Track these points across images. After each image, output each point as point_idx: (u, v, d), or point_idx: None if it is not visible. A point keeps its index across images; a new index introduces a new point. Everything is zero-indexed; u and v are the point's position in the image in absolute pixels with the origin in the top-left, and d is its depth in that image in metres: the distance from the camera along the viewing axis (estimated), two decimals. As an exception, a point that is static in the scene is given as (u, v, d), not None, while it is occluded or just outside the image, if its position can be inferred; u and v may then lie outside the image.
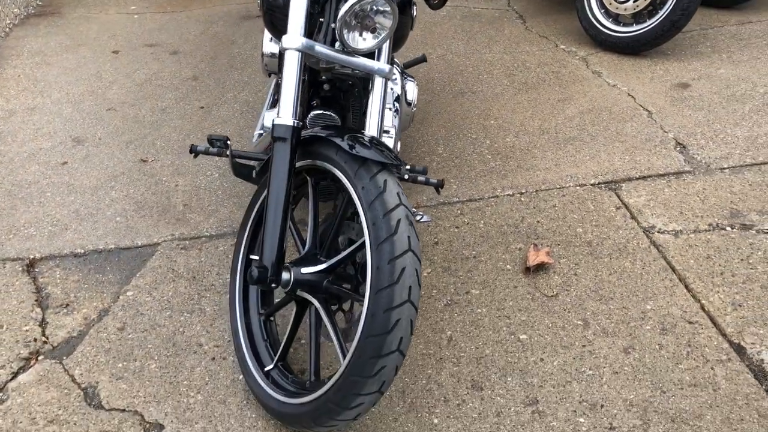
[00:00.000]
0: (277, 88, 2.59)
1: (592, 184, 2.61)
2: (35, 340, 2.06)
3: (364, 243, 1.54)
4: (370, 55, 1.82)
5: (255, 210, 1.92)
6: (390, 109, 2.31)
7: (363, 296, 1.51)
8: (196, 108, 3.42)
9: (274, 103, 2.57)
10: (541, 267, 2.20)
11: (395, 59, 2.48)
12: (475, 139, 2.98)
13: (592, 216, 2.44)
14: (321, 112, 2.06)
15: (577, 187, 2.60)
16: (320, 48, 1.69)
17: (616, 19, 3.68)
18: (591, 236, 2.34)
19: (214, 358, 1.96)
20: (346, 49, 1.74)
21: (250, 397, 1.83)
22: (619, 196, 2.53)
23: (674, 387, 1.78)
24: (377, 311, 1.44)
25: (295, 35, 1.66)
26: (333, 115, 2.05)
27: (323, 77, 1.98)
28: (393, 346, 1.44)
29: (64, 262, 2.40)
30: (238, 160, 2.22)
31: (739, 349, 1.88)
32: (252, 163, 2.29)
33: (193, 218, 2.59)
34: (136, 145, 3.12)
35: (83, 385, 1.90)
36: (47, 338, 2.07)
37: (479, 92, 3.38)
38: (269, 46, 2.29)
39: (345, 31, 1.69)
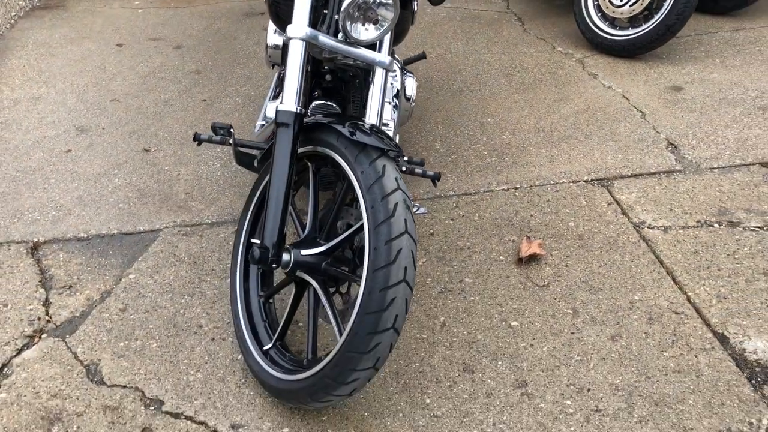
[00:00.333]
0: (281, 79, 2.65)
1: (585, 181, 2.68)
2: (39, 318, 2.12)
3: (362, 226, 1.60)
4: (371, 46, 1.88)
5: (257, 195, 1.98)
6: (389, 103, 2.37)
7: (361, 277, 1.57)
8: (198, 101, 3.48)
9: (277, 95, 2.63)
10: (533, 258, 2.26)
11: (396, 56, 2.54)
12: (472, 135, 3.04)
13: (584, 211, 2.50)
14: (322, 102, 2.12)
15: (571, 184, 2.66)
16: (324, 38, 1.76)
17: (612, 22, 3.75)
18: (582, 230, 2.40)
19: (213, 339, 2.02)
20: (349, 40, 1.81)
21: (248, 375, 1.88)
22: (611, 193, 2.60)
23: (659, 373, 1.84)
24: (374, 289, 1.50)
25: (300, 25, 1.72)
26: (334, 105, 2.12)
27: (326, 67, 2.04)
28: (388, 323, 1.50)
29: (68, 245, 2.45)
30: (241, 148, 2.28)
31: (723, 339, 1.94)
32: (254, 152, 2.35)
33: (195, 206, 2.64)
34: (139, 135, 3.17)
35: (85, 362, 1.95)
36: (51, 317, 2.12)
37: (477, 91, 3.45)
38: (273, 38, 2.35)
39: (348, 23, 1.76)
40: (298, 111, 1.71)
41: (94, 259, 2.38)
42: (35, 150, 3.07)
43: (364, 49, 1.84)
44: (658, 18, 3.49)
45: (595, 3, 3.78)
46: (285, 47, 2.35)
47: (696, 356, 1.88)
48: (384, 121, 2.24)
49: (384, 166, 1.59)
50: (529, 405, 1.77)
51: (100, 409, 1.80)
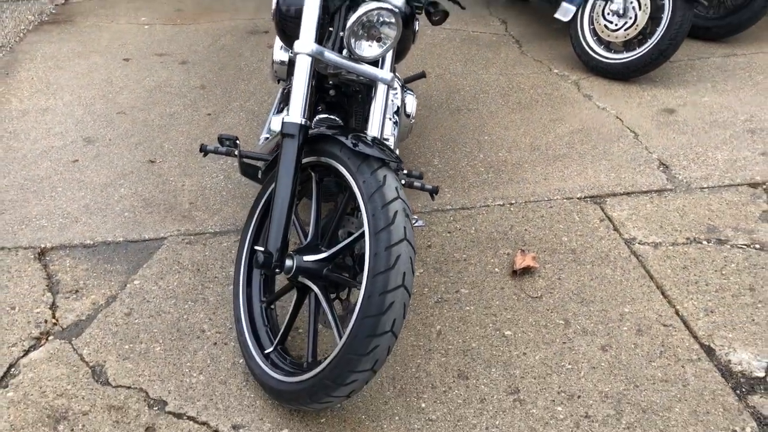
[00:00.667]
0: (286, 94, 2.74)
1: (578, 198, 2.75)
2: (46, 321, 2.17)
3: (363, 234, 1.67)
4: (374, 63, 1.97)
5: (261, 204, 2.05)
6: (390, 119, 2.45)
7: (361, 283, 1.64)
8: (203, 115, 3.56)
9: (281, 109, 2.71)
10: (527, 270, 2.33)
11: (397, 74, 2.63)
12: (469, 152, 3.12)
13: (577, 227, 2.58)
14: (326, 115, 2.20)
15: (564, 200, 2.74)
16: (329, 54, 1.84)
17: (607, 46, 3.86)
18: (575, 245, 2.47)
19: (216, 343, 2.08)
20: (353, 57, 1.89)
21: (249, 379, 1.94)
22: (603, 210, 2.67)
23: (647, 382, 1.90)
24: (373, 294, 1.56)
25: (307, 41, 1.80)
26: (337, 119, 2.20)
27: (330, 82, 2.12)
28: (387, 326, 1.57)
29: (74, 251, 2.52)
30: (246, 160, 2.36)
31: (709, 351, 2.01)
32: (258, 163, 2.43)
33: (199, 216, 2.71)
34: (145, 146, 3.25)
35: (91, 364, 2.01)
36: (57, 320, 2.18)
37: (475, 110, 3.54)
38: (279, 54, 2.44)
39: (352, 40, 1.84)
40: (304, 123, 1.78)
41: (100, 265, 2.44)
42: (43, 159, 3.14)
43: (367, 65, 1.93)
44: (651, 42, 3.59)
45: (591, 27, 3.89)
46: (291, 63, 2.45)
47: (683, 367, 1.95)
48: (384, 137, 2.32)
49: (385, 176, 1.67)
50: (521, 410, 1.83)
51: (105, 409, 1.85)
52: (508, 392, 1.89)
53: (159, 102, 3.72)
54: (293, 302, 1.89)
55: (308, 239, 1.85)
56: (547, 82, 3.85)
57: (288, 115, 1.79)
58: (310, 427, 1.80)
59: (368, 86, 2.14)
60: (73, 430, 1.79)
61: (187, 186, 2.92)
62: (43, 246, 2.54)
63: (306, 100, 1.80)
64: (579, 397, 1.86)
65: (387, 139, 2.35)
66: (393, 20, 1.85)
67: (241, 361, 2.00)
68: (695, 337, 2.05)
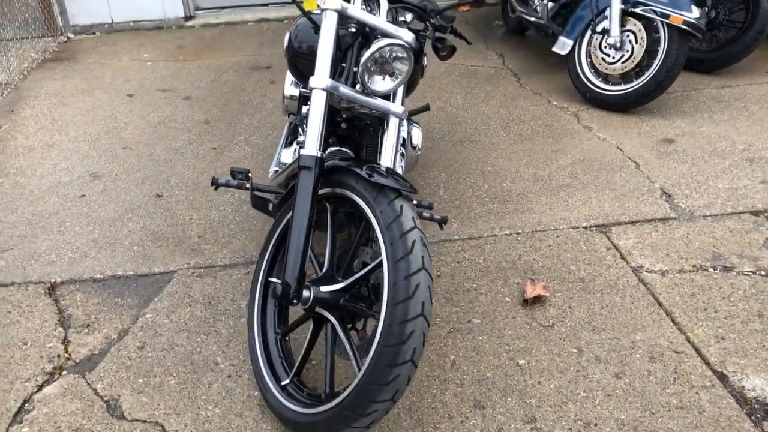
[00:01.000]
0: (293, 128, 2.78)
1: (584, 227, 2.78)
2: (58, 356, 2.17)
3: (380, 263, 1.69)
4: (386, 97, 2.01)
5: (275, 236, 2.07)
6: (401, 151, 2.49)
7: (378, 313, 1.66)
8: (208, 149, 3.60)
9: (290, 142, 2.75)
10: (538, 299, 2.35)
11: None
12: (474, 183, 3.16)
13: (584, 255, 2.60)
14: (337, 148, 2.24)
15: (570, 230, 2.77)
16: (344, 89, 1.88)
17: (605, 78, 3.94)
18: (584, 273, 2.50)
19: (230, 376, 2.07)
20: (366, 91, 1.93)
21: (265, 411, 1.93)
22: (609, 239, 2.70)
23: (662, 409, 1.91)
24: (393, 323, 1.58)
25: (322, 76, 1.84)
26: (348, 151, 2.23)
27: (343, 116, 2.16)
28: (407, 355, 1.58)
29: (84, 286, 2.52)
30: (257, 193, 2.39)
31: (722, 377, 2.02)
32: (269, 196, 2.46)
33: (208, 249, 2.72)
34: (152, 181, 3.27)
35: (106, 398, 2.00)
36: (70, 355, 2.18)
37: (477, 141, 3.59)
38: (290, 89, 2.48)
39: (366, 75, 1.88)
40: (320, 155, 1.81)
41: (111, 299, 2.44)
42: (50, 195, 3.16)
43: (379, 99, 1.97)
44: (649, 74, 3.67)
45: (589, 60, 3.97)
46: (301, 97, 2.49)
47: (697, 393, 1.96)
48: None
49: (401, 206, 1.70)
50: (539, 439, 1.83)
51: (121, 443, 1.84)
52: (525, 421, 1.89)
53: (164, 137, 3.76)
54: (309, 333, 1.90)
55: (324, 270, 1.87)
56: (546, 114, 3.91)
57: (303, 147, 1.82)
58: (328, 459, 1.79)
59: (379, 119, 2.18)
60: (89, 465, 1.78)
61: (195, 219, 2.94)
62: (53, 281, 2.54)
63: (322, 133, 1.83)
64: (596, 425, 1.87)
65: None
66: (405, 55, 1.89)
67: (256, 393, 2.00)
68: (708, 364, 2.07)
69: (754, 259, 2.55)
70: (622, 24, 3.76)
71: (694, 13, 3.55)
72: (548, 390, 1.99)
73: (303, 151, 1.82)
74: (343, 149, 2.24)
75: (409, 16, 2.21)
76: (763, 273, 2.47)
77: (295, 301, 1.76)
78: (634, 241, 2.69)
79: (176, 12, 5.99)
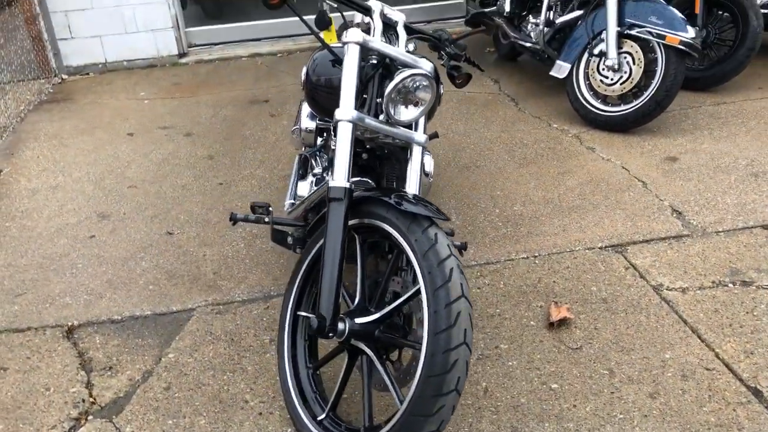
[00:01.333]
0: (304, 160, 2.78)
1: (599, 248, 2.79)
2: (83, 401, 2.13)
3: (415, 292, 1.69)
4: (407, 126, 2.02)
5: (302, 269, 2.05)
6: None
7: (416, 343, 1.65)
8: (215, 184, 3.59)
9: (302, 175, 2.75)
10: (563, 322, 2.34)
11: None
12: (484, 208, 3.17)
13: (603, 276, 2.61)
14: (359, 179, 2.24)
15: (587, 251, 2.78)
16: (369, 120, 1.89)
17: (604, 99, 3.99)
18: (605, 294, 2.50)
19: (261, 413, 2.04)
20: (390, 121, 1.94)
21: (300, 448, 1.90)
22: (626, 258, 2.71)
23: (701, 428, 1.90)
24: (436, 352, 1.56)
25: (348, 108, 1.85)
26: (370, 181, 2.23)
27: (367, 146, 2.16)
28: (452, 385, 1.56)
29: (103, 328, 2.49)
30: (277, 226, 2.38)
31: (756, 392, 2.01)
32: (287, 229, 2.45)
33: (224, 285, 2.70)
34: (161, 219, 3.25)
35: (135, 442, 1.96)
36: (95, 399, 2.14)
37: (483, 167, 3.61)
38: (306, 122, 2.49)
39: (391, 105, 1.90)
40: (350, 186, 1.81)
41: (131, 340, 2.41)
42: (59, 237, 3.13)
43: (403, 128, 1.98)
44: (648, 95, 3.72)
45: (587, 82, 4.02)
46: (318, 130, 2.50)
47: (734, 410, 1.95)
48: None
49: (436, 234, 1.69)
50: (582, 464, 1.81)
51: (156, 488, 1.80)
52: (565, 446, 1.87)
53: (169, 174, 3.75)
54: (344, 366, 1.88)
55: (357, 301, 1.86)
56: (548, 137, 3.95)
57: (333, 179, 1.82)
58: (370, 494, 1.76)
59: (399, 149, 2.19)
60: None
61: (209, 256, 2.92)
62: (70, 324, 2.51)
63: (350, 164, 1.83)
64: (637, 446, 1.85)
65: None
66: (428, 84, 1.91)
67: (289, 430, 1.96)
68: (740, 380, 2.06)
69: (771, 273, 2.57)
70: (619, 46, 3.83)
71: (690, 32, 3.62)
72: (584, 413, 1.98)
73: (332, 183, 1.81)
74: (364, 179, 2.24)
75: (411, 46, 2.23)
76: (782, 286, 2.49)
77: (331, 334, 1.74)
78: (651, 259, 2.70)
79: (169, 49, 6.01)
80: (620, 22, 3.80)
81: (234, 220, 2.42)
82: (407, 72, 1.88)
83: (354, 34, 1.87)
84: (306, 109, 2.52)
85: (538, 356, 2.21)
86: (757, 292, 2.47)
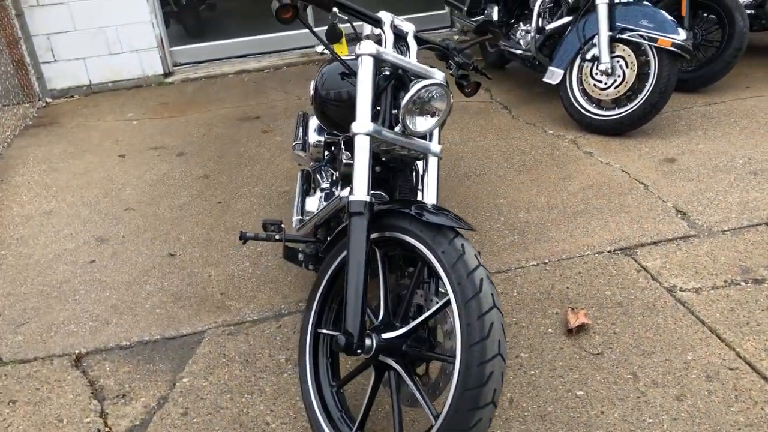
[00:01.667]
0: (306, 175, 2.76)
1: (608, 251, 2.79)
2: (99, 431, 2.06)
3: (443, 305, 1.66)
4: (423, 137, 2.00)
5: (322, 286, 2.01)
6: (420, 190, 2.47)
7: (449, 356, 1.62)
8: (213, 203, 3.54)
9: (307, 190, 2.72)
10: (581, 328, 2.33)
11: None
12: (489, 216, 3.16)
13: (616, 280, 2.60)
14: (372, 192, 2.21)
15: (596, 255, 2.77)
16: (386, 132, 1.87)
17: (598, 104, 4.01)
18: (620, 298, 2.49)
19: (284, 435, 2.00)
20: (406, 132, 1.92)
21: (328, 469, 1.86)
22: (636, 261, 2.71)
23: (732, 428, 1.89)
24: (471, 365, 1.53)
25: (364, 121, 1.82)
26: (383, 194, 2.20)
27: (383, 159, 2.13)
28: (488, 398, 1.53)
29: (111, 354, 2.42)
30: (289, 244, 2.35)
31: (782, 390, 2.01)
32: (298, 246, 2.42)
33: (233, 305, 2.65)
34: (161, 240, 3.20)
35: (157, 471, 1.90)
36: (111, 428, 2.07)
37: (483, 175, 3.60)
38: (314, 136, 2.46)
39: (407, 116, 1.87)
40: (371, 200, 1.78)
41: (142, 365, 2.35)
42: (58, 263, 3.06)
43: (418, 139, 1.96)
44: (642, 97, 3.75)
45: (581, 87, 4.04)
46: (327, 144, 2.48)
47: (762, 408, 1.94)
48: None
49: (462, 245, 1.67)
50: (616, 471, 1.79)
51: None
52: (598, 454, 1.85)
53: (165, 195, 3.69)
54: (371, 383, 1.84)
55: (381, 316, 1.82)
56: (545, 143, 3.96)
57: (352, 194, 1.79)
58: None
59: (413, 160, 2.17)
60: None
61: (214, 276, 2.87)
62: (77, 352, 2.44)
63: (369, 177, 1.81)
64: (670, 451, 1.84)
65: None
66: (444, 93, 1.89)
67: (315, 451, 1.92)
68: (765, 378, 2.06)
69: (782, 270, 2.58)
70: (611, 50, 3.85)
71: (681, 35, 3.65)
72: (613, 419, 1.96)
73: (352, 197, 1.78)
74: (378, 192, 2.21)
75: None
76: (794, 282, 2.50)
77: (359, 351, 1.70)
78: (661, 261, 2.70)
79: (155, 69, 5.96)
80: (611, 26, 3.83)
81: (244, 239, 2.38)
82: (424, 82, 1.86)
83: (368, 46, 1.85)
84: (313, 123, 2.49)
85: (560, 363, 2.19)
86: (770, 289, 2.47)
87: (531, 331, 2.36)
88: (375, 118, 1.98)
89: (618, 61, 3.85)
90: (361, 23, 2.07)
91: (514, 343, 2.30)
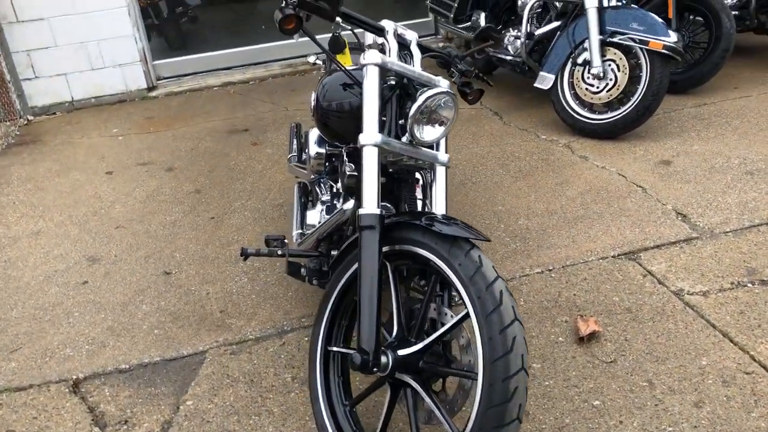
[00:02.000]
0: (303, 187, 2.70)
1: (613, 256, 2.76)
2: (102, 460, 1.99)
3: (461, 318, 1.61)
4: (429, 147, 1.96)
5: (330, 302, 1.96)
6: (420, 199, 2.43)
7: (471, 372, 1.58)
8: (206, 219, 3.47)
9: (304, 203, 2.67)
10: (592, 336, 2.29)
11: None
12: (489, 224, 3.12)
13: (623, 285, 2.57)
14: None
15: (600, 260, 2.74)
16: (394, 142, 1.82)
17: (590, 107, 4.00)
18: (629, 303, 2.46)
19: (296, 458, 1.93)
20: (414, 142, 1.88)
21: (345, 491, 1.80)
22: (641, 265, 2.68)
23: (754, 434, 1.86)
24: (495, 381, 1.49)
25: (372, 132, 1.77)
26: (389, 206, 2.16)
27: (390, 170, 2.09)
28: (513, 414, 1.49)
29: (110, 378, 2.35)
30: (291, 259, 2.29)
31: (800, 393, 1.99)
32: (302, 261, 2.36)
33: (234, 323, 2.59)
34: (155, 258, 3.12)
35: (166, 501, 1.83)
36: (114, 457, 2.00)
37: (479, 182, 3.57)
38: (315, 148, 2.41)
39: (415, 126, 1.83)
40: (381, 213, 1.74)
41: (143, 389, 2.28)
42: (49, 285, 2.97)
43: (426, 149, 1.92)
44: (635, 100, 3.74)
45: (572, 92, 4.03)
46: (328, 155, 2.43)
47: (782, 413, 1.92)
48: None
49: (479, 256, 1.63)
50: (641, 483, 1.75)
51: None
52: (620, 466, 1.81)
53: (156, 211, 3.62)
54: (386, 401, 1.78)
55: (395, 332, 1.77)
56: (539, 149, 3.93)
57: (363, 207, 1.74)
58: None
59: (415, 170, 2.13)
60: None
61: (212, 293, 2.80)
62: (75, 377, 2.36)
63: (379, 189, 1.76)
64: (693, 460, 1.80)
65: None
66: (452, 102, 1.86)
67: (330, 473, 1.86)
68: (782, 381, 2.03)
69: (787, 270, 2.56)
70: (602, 54, 3.84)
71: (672, 37, 3.65)
72: (632, 429, 1.92)
73: (363, 211, 1.74)
74: (385, 204, 2.16)
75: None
76: (801, 282, 2.48)
77: (375, 369, 1.65)
78: (666, 264, 2.67)
79: (138, 84, 5.87)
80: (602, 30, 3.82)
81: (245, 255, 2.31)
82: (431, 91, 1.82)
83: (373, 56, 1.81)
84: (314, 134, 2.44)
85: (573, 373, 2.15)
86: (778, 290, 2.46)
87: (541, 341, 2.31)
88: (381, 128, 1.93)
89: (609, 65, 3.84)
90: (362, 32, 2.03)
91: (526, 353, 2.26)
